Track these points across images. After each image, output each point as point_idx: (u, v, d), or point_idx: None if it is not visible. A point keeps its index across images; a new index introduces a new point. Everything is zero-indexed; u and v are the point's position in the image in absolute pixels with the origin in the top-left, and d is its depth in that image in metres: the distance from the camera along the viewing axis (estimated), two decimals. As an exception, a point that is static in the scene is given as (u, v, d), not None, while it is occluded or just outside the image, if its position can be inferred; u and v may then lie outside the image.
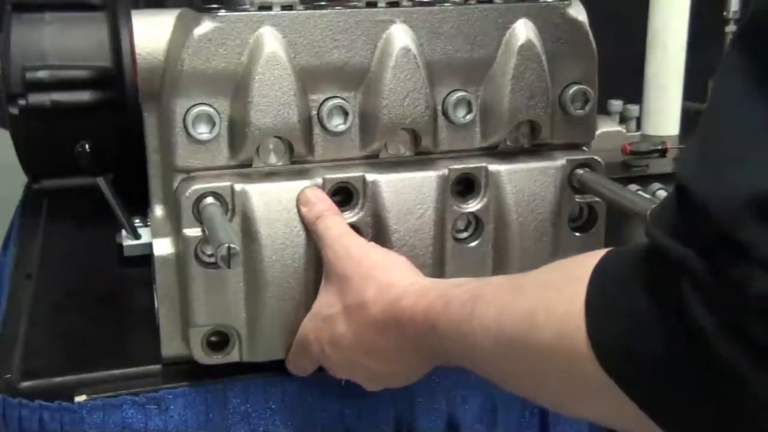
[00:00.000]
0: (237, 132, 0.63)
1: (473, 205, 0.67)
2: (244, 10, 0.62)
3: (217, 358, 0.66)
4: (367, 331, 0.58)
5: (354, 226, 0.65)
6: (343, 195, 0.65)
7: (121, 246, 0.74)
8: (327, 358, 0.62)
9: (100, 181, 0.71)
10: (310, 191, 0.63)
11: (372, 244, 0.63)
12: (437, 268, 0.67)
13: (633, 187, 0.87)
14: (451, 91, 0.67)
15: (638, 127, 1.13)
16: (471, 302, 0.51)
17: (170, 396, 0.66)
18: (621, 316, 0.40)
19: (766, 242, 0.35)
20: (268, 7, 0.63)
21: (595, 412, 0.45)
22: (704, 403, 0.37)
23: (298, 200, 0.63)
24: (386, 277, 0.58)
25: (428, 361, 0.58)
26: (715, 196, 0.36)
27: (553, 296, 0.45)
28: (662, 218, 0.39)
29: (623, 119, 1.11)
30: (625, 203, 0.63)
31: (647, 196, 0.70)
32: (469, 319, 0.50)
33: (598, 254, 0.43)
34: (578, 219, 0.71)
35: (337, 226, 0.62)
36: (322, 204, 0.63)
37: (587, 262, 0.43)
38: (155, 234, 0.67)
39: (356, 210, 0.65)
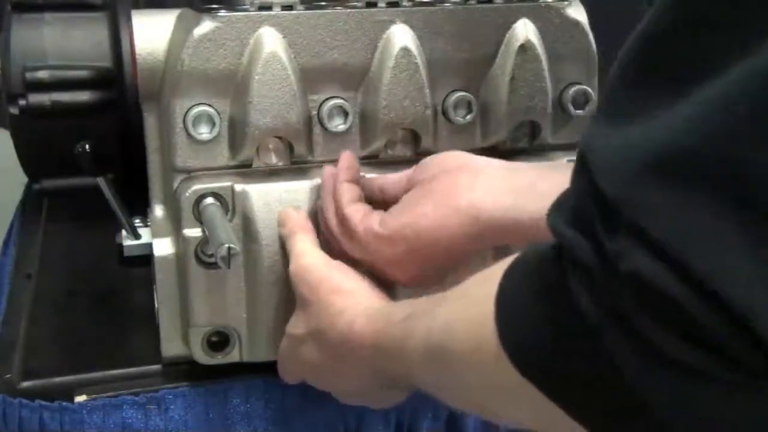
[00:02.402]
0: (237, 132, 0.63)
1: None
2: (244, 10, 0.62)
3: (217, 358, 0.66)
4: (328, 356, 0.58)
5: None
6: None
7: (121, 246, 0.73)
8: (302, 375, 0.63)
9: (100, 181, 0.71)
10: (284, 212, 0.63)
11: (335, 263, 0.60)
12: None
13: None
14: (451, 91, 0.67)
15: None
16: (407, 320, 0.50)
17: (170, 396, 0.66)
18: (524, 316, 0.38)
19: (645, 204, 0.28)
20: (268, 7, 0.63)
21: (522, 414, 0.42)
22: (597, 396, 0.34)
23: (278, 222, 0.63)
24: (341, 302, 0.57)
25: (388, 385, 0.56)
26: (607, 159, 0.30)
27: (468, 303, 0.43)
28: (561, 201, 0.35)
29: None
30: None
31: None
32: (405, 336, 0.49)
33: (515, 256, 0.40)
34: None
35: (298, 244, 0.61)
36: (291, 221, 0.62)
37: (503, 264, 0.40)
38: (155, 234, 0.67)
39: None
